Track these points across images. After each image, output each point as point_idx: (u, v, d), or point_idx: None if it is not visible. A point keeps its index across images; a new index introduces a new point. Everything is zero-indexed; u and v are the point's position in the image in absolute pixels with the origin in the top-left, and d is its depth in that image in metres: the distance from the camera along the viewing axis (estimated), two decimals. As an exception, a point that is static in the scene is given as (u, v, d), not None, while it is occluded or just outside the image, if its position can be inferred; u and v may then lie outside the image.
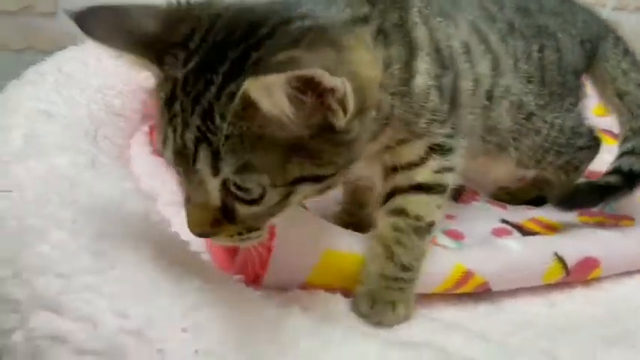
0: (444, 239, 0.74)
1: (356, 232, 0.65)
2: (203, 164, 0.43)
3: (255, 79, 0.38)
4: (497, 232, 0.78)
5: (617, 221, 0.85)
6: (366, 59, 0.48)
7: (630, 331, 0.60)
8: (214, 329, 0.40)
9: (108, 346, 0.38)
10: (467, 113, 0.67)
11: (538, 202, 0.90)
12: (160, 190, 0.86)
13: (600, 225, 0.84)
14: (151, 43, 0.45)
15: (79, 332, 0.39)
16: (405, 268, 0.61)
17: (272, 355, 0.42)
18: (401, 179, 0.62)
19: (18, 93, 0.84)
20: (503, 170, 0.84)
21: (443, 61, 0.61)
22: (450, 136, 0.62)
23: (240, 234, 0.47)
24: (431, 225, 0.63)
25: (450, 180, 0.64)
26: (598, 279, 0.72)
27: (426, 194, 0.62)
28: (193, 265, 0.50)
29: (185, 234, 0.68)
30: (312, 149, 0.45)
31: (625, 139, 0.85)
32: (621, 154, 0.83)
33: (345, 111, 0.43)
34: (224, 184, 0.44)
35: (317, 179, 0.46)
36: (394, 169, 0.62)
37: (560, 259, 0.69)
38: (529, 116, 0.78)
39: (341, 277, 0.61)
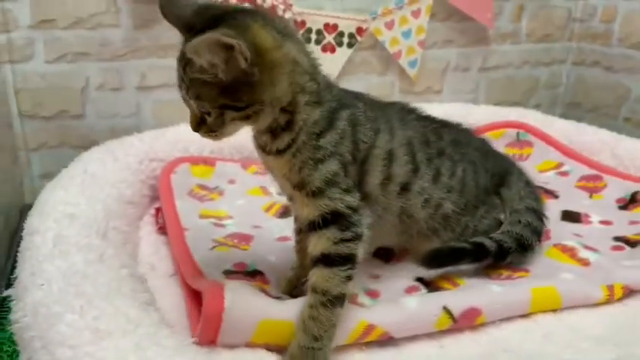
0: (363, 298, 0.97)
1: (291, 300, 0.88)
2: (184, 94, 0.77)
3: (189, 45, 0.69)
4: (409, 290, 1.00)
5: (514, 273, 1.06)
6: (259, 34, 0.74)
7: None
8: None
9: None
10: (378, 195, 0.92)
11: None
12: (159, 265, 1.13)
13: (497, 276, 1.05)
14: (184, 26, 0.78)
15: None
16: (316, 338, 0.78)
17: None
18: (311, 246, 0.83)
19: (52, 197, 1.12)
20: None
21: (354, 156, 0.85)
22: (352, 209, 0.82)
23: (208, 132, 0.79)
24: (339, 297, 0.79)
25: (357, 250, 0.82)
26: (484, 324, 0.93)
27: (329, 268, 0.80)
28: (166, 337, 0.74)
29: (168, 301, 0.95)
30: (232, 88, 0.73)
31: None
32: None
33: (245, 59, 0.70)
34: (196, 104, 0.76)
35: (236, 108, 0.75)
36: (307, 228, 0.84)
37: (448, 311, 0.90)
38: (446, 217, 1.04)
39: (277, 339, 0.83)
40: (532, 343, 0.90)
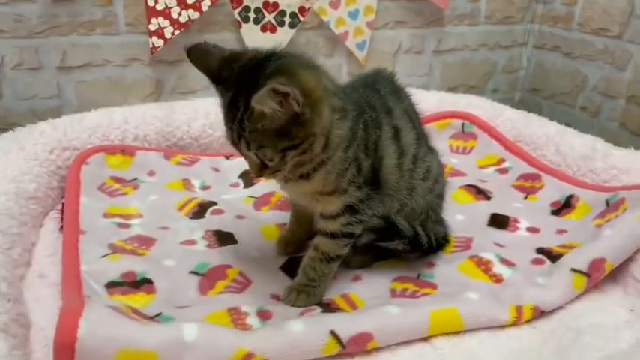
0: (253, 319, 0.91)
1: (156, 327, 0.81)
2: (242, 146, 0.83)
3: (255, 98, 0.74)
4: (303, 312, 0.93)
5: (420, 289, 1.00)
6: (306, 78, 0.81)
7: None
8: None
9: None
10: (392, 179, 1.00)
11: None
12: (50, 271, 1.05)
13: (402, 292, 1.00)
14: (215, 78, 0.85)
15: None
16: (312, 280, 0.97)
17: None
18: (322, 225, 0.96)
19: None
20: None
21: (366, 150, 0.94)
22: (362, 201, 0.94)
23: (272, 174, 0.86)
24: (337, 256, 0.97)
25: (357, 230, 0.97)
26: (378, 349, 0.87)
27: (333, 240, 0.96)
28: None
29: (50, 315, 0.88)
30: (288, 130, 0.80)
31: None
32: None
33: (298, 103, 0.77)
34: (256, 154, 0.82)
35: (294, 147, 0.82)
36: (321, 216, 0.96)
37: (335, 336, 0.84)
38: (438, 196, 1.12)
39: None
40: (422, 371, 0.84)
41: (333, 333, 0.84)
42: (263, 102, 0.76)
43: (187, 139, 1.55)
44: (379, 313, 0.89)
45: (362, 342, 0.85)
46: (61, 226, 1.18)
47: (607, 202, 1.20)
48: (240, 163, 1.49)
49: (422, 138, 1.08)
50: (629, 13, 1.67)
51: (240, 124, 0.80)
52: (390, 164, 0.99)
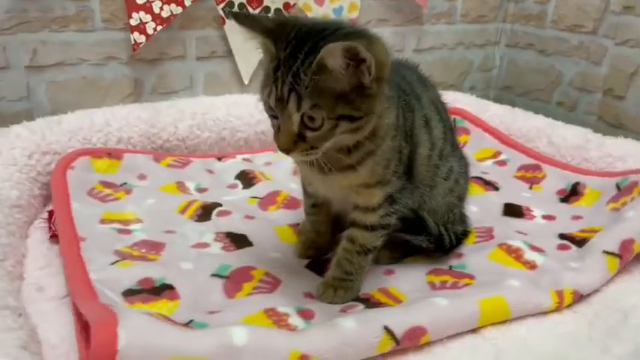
0: (295, 319, 0.84)
1: (199, 334, 0.72)
2: (292, 104, 0.72)
3: (326, 47, 0.67)
4: (344, 309, 0.88)
5: (459, 280, 0.97)
6: (382, 50, 0.75)
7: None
8: None
9: None
10: (422, 170, 0.97)
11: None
12: (48, 283, 0.94)
13: (442, 285, 0.96)
14: (270, 34, 0.75)
15: None
16: (348, 273, 0.91)
17: None
18: (359, 217, 0.91)
19: None
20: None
21: (405, 137, 0.90)
22: (400, 191, 0.90)
23: (306, 150, 0.75)
24: (374, 248, 0.92)
25: (393, 221, 0.92)
26: (429, 343, 0.83)
27: (370, 232, 0.91)
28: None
29: (57, 332, 0.77)
30: (350, 98, 0.73)
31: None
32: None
33: (370, 73, 0.71)
34: (301, 118, 0.73)
35: (352, 119, 0.74)
36: (357, 209, 0.90)
37: (390, 332, 0.78)
38: (459, 197, 1.07)
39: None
40: (483, 364, 0.80)
41: (386, 329, 0.79)
42: (333, 54, 0.68)
43: (174, 141, 1.46)
44: (428, 305, 0.84)
45: (416, 337, 0.81)
46: (51, 235, 1.07)
47: (618, 186, 1.21)
48: (235, 164, 1.43)
49: (448, 132, 1.05)
50: (604, 9, 1.72)
51: (296, 77, 0.72)
52: (424, 154, 0.96)
